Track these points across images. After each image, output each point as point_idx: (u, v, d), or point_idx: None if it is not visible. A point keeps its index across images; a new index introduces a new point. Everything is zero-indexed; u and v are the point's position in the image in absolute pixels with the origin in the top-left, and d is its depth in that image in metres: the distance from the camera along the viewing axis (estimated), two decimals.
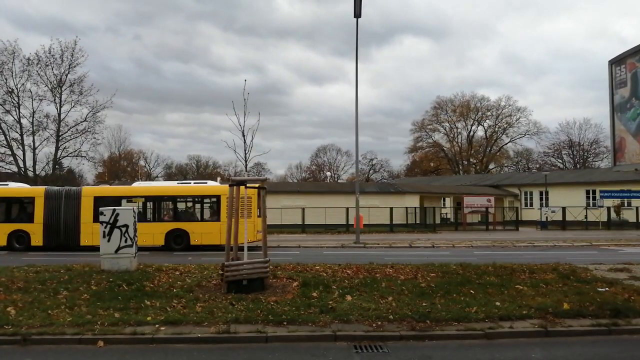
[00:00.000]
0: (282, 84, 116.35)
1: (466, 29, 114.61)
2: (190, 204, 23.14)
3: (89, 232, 20.78)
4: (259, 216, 20.69)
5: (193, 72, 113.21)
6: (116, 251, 11.84)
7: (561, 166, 72.43)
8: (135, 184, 24.60)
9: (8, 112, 37.48)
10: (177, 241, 21.20)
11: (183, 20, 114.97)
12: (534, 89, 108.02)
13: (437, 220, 40.09)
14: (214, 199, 21.88)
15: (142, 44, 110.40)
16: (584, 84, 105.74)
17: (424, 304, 9.03)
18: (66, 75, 38.45)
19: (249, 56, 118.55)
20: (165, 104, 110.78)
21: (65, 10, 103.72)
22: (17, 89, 37.09)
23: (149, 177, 76.02)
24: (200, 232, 21.24)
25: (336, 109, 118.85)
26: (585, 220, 39.42)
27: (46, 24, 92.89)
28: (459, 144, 79.89)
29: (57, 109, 38.81)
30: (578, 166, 69.07)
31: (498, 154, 78.94)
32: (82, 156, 40.66)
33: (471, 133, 78.78)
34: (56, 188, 22.60)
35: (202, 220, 21.89)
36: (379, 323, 8.06)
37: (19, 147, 38.19)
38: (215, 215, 21.63)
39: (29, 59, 37.02)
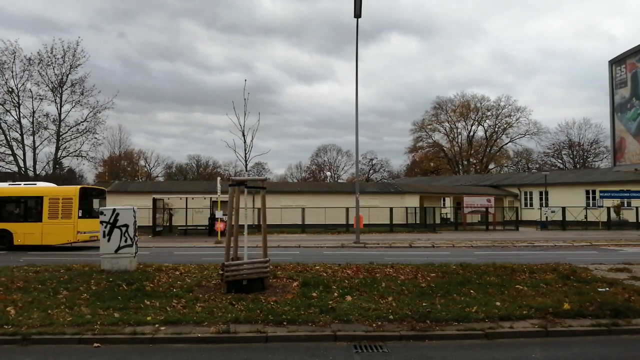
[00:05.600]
0: (272, 82, 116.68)
1: (454, 27, 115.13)
2: (14, 205, 23.22)
3: None
4: (80, 217, 21.76)
5: (180, 71, 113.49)
6: (116, 251, 11.84)
7: (561, 166, 72.45)
8: None
9: (8, 111, 37.46)
10: (1, 241, 21.67)
11: (166, 17, 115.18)
12: (525, 89, 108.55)
13: (437, 220, 40.11)
14: (37, 201, 22.16)
15: (126, 41, 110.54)
16: (576, 83, 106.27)
17: (424, 304, 9.03)
18: (67, 76, 38.41)
19: (236, 54, 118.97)
20: (155, 103, 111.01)
21: (46, 8, 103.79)
22: (17, 88, 37.09)
23: (149, 177, 76.01)
24: (23, 232, 21.72)
25: (328, 108, 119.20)
26: (585, 220, 39.43)
27: (29, 21, 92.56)
28: (459, 144, 79.97)
29: (57, 109, 38.78)
30: (578, 166, 69.08)
31: (498, 154, 78.97)
32: (82, 156, 40.60)
33: (471, 133, 78.90)
34: None
35: (26, 221, 22.19)
36: (379, 323, 8.06)
37: (19, 147, 38.19)
38: (38, 216, 21.95)
39: (30, 58, 37.00)
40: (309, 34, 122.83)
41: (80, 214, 22.01)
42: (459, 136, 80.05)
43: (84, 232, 22.24)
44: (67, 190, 22.87)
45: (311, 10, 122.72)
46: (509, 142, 77.72)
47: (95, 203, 23.99)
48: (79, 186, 23.16)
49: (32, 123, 37.97)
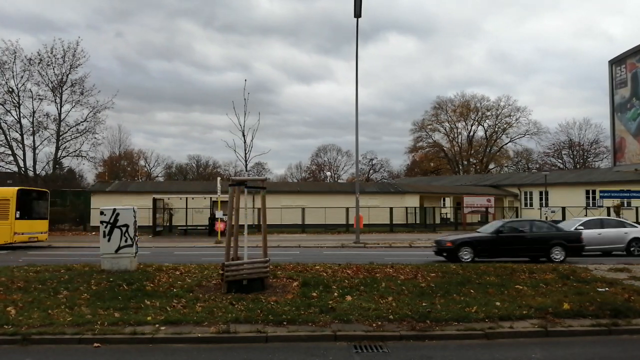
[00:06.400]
0: (270, 82, 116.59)
1: (452, 27, 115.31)
2: None
3: None
4: (17, 218, 22.27)
5: (178, 71, 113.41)
6: (116, 251, 11.82)
7: (561, 166, 72.45)
8: None
9: (8, 111, 37.34)
10: None
11: (163, 17, 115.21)
12: (525, 89, 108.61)
13: (437, 220, 40.13)
14: None
15: (124, 41, 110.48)
16: (574, 83, 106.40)
17: (424, 304, 9.03)
18: (67, 76, 38.31)
19: (233, 54, 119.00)
20: (154, 103, 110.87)
21: (44, 8, 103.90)
22: (17, 88, 36.99)
23: (149, 177, 75.99)
24: None
25: (327, 108, 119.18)
26: None
27: (27, 21, 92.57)
28: (459, 144, 79.97)
29: (57, 108, 38.67)
30: (578, 166, 69.07)
31: (498, 154, 78.97)
32: (82, 156, 40.43)
33: (471, 133, 78.89)
34: None
35: None
36: (379, 323, 8.06)
37: (19, 147, 38.02)
38: None
39: (30, 59, 36.90)
40: (307, 34, 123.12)
41: (18, 215, 22.45)
42: (459, 136, 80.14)
43: (22, 234, 22.71)
44: (5, 191, 23.27)
45: (309, 9, 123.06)
46: (509, 142, 77.83)
47: (36, 205, 24.43)
48: (17, 187, 23.56)
49: (32, 123, 37.88)
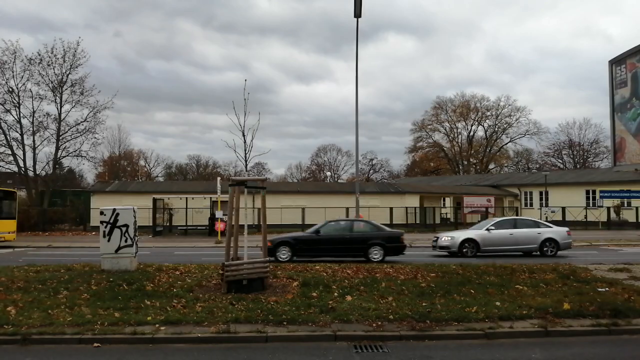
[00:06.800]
0: (269, 82, 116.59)
1: (450, 27, 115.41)
2: None
3: None
4: None
5: (177, 70, 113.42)
6: (116, 251, 11.81)
7: (561, 166, 72.48)
8: None
9: (8, 111, 37.32)
10: None
11: (162, 17, 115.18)
12: (523, 88, 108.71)
13: (437, 220, 40.13)
14: None
15: (123, 41, 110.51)
16: (573, 83, 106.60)
17: (424, 304, 9.03)
18: (67, 76, 38.28)
19: (232, 54, 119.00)
20: (153, 103, 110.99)
21: (42, 7, 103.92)
22: (17, 88, 36.97)
23: (149, 177, 76.00)
24: None
25: (327, 108, 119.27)
26: (585, 220, 39.44)
27: (25, 20, 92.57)
28: (459, 144, 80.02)
29: (57, 108, 38.64)
30: (578, 166, 69.10)
31: (498, 154, 79.02)
32: (82, 156, 40.39)
33: (471, 133, 78.95)
34: None
35: None
36: (379, 323, 8.06)
37: (19, 147, 37.97)
38: None
39: (30, 58, 36.88)
40: (306, 34, 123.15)
41: None
42: (459, 136, 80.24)
43: None
44: None
45: (308, 9, 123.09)
46: (509, 142, 77.91)
47: (3, 205, 24.53)
48: None
49: (32, 123, 37.86)
